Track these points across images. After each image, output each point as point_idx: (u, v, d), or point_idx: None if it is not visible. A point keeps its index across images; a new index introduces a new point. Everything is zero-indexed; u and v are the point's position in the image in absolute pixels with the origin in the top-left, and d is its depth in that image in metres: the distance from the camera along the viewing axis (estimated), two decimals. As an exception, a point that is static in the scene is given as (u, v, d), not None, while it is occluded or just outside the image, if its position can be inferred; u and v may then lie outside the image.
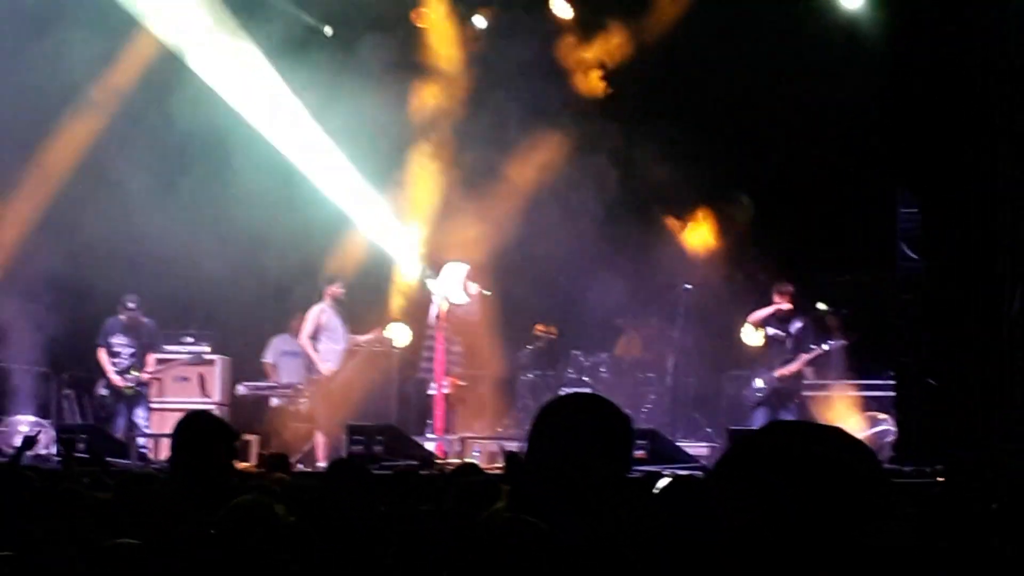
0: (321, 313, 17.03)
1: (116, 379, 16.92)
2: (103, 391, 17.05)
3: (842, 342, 16.46)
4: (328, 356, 17.08)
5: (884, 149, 15.98)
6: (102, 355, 17.00)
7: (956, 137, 14.48)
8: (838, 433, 2.14)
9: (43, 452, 14.91)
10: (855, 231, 17.11)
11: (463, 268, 16.88)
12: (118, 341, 17.02)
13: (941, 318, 14.57)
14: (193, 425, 6.10)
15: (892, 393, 15.77)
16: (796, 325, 16.20)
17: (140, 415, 16.79)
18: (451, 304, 16.64)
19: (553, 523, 3.62)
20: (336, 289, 17.10)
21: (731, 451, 2.15)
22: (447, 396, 16.58)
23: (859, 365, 17.00)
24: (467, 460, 14.13)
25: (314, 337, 17.02)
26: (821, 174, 17.32)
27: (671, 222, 18.53)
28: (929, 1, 15.11)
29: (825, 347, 16.14)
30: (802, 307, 16.44)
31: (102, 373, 17.02)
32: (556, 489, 3.64)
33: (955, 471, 10.91)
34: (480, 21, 19.14)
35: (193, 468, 5.77)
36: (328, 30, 19.31)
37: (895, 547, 2.06)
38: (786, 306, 16.10)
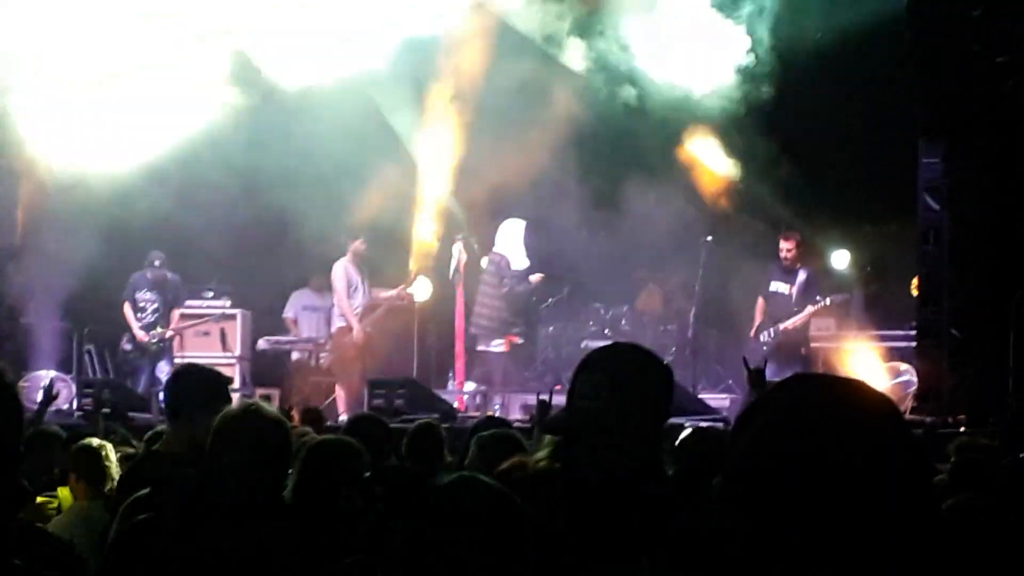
0: (345, 268, 17.01)
1: (141, 334, 17.05)
2: (127, 346, 17.19)
3: (846, 296, 16.43)
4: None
5: (906, 97, 15.86)
6: (127, 310, 17.13)
7: (980, 85, 14.38)
8: (860, 385, 2.11)
9: (63, 407, 14.95)
10: (876, 181, 17.01)
11: (520, 225, 16.70)
12: (143, 296, 17.17)
13: (964, 269, 14.50)
14: (184, 378, 6.32)
15: (914, 344, 15.71)
16: (800, 277, 16.17)
17: (163, 370, 16.86)
18: (508, 268, 16.49)
19: (590, 470, 3.62)
20: (359, 244, 16.99)
21: (752, 405, 2.13)
22: (502, 354, 16.66)
23: (882, 316, 16.95)
24: (488, 413, 14.17)
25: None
26: (842, 123, 17.21)
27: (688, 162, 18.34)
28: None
29: (827, 302, 16.04)
30: (807, 258, 16.41)
31: (127, 328, 17.13)
32: (600, 437, 3.63)
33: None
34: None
35: (193, 419, 5.83)
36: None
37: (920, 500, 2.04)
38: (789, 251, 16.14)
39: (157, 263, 17.13)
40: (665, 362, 3.89)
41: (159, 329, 17.18)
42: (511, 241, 16.76)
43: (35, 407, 15.23)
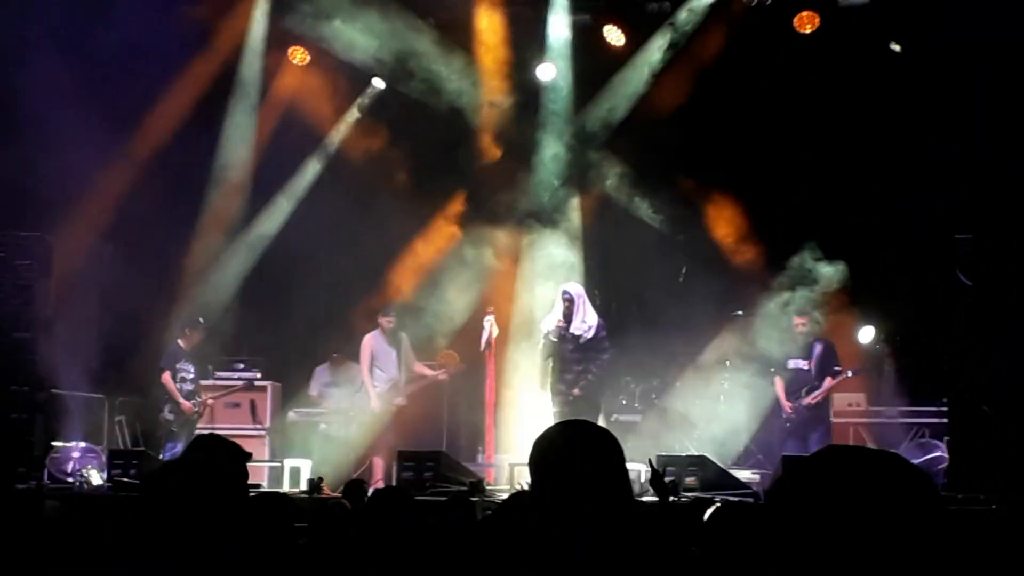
0: (373, 341, 17.24)
1: (187, 404, 17.17)
2: (169, 416, 17.27)
3: (865, 367, 16.47)
4: (378, 383, 17.25)
5: (938, 177, 15.96)
6: (168, 379, 17.22)
7: (1011, 159, 14.42)
8: (895, 459, 2.11)
9: (98, 483, 15.00)
10: (910, 256, 17.03)
11: (579, 290, 16.06)
12: (183, 367, 17.27)
13: (996, 344, 14.44)
14: (204, 446, 6.21)
15: (945, 420, 15.63)
16: (817, 350, 16.27)
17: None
18: (571, 333, 16.03)
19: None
20: (386, 321, 17.36)
21: (787, 475, 2.12)
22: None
23: (912, 391, 16.91)
24: (517, 487, 14.09)
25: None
26: (875, 202, 17.29)
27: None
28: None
29: (848, 373, 16.17)
30: (820, 333, 16.45)
31: (168, 397, 17.20)
32: (568, 522, 3.61)
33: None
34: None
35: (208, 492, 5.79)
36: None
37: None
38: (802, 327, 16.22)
39: (193, 330, 17.38)
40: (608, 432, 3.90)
41: (199, 398, 17.36)
42: (582, 304, 16.16)
43: (65, 479, 15.40)
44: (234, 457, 6.02)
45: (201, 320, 17.65)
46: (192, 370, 17.42)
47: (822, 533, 2.01)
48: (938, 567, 2.00)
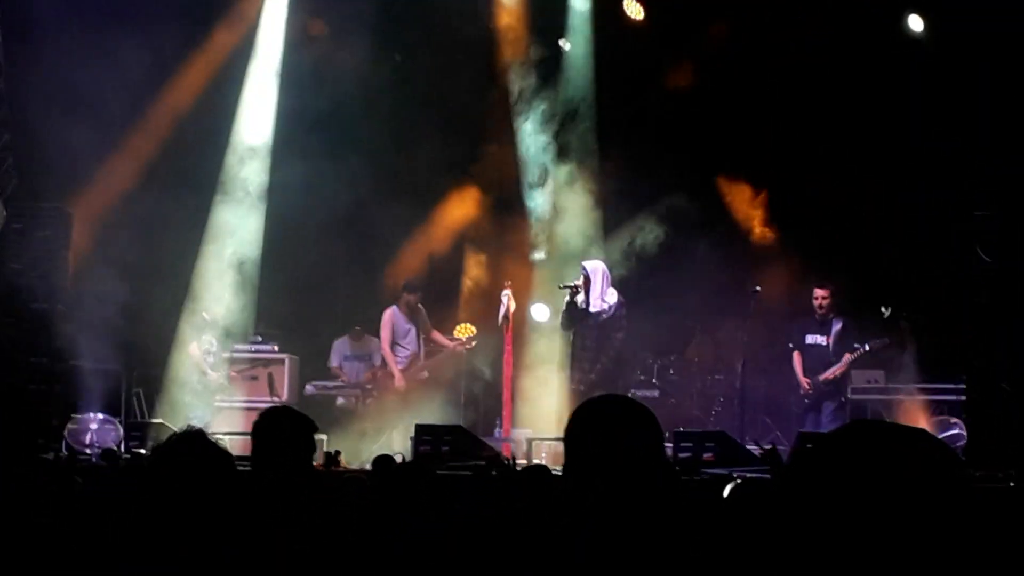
0: (392, 317, 17.47)
1: (213, 375, 17.25)
2: (197, 386, 17.39)
3: (884, 341, 16.35)
4: (400, 359, 17.53)
5: (959, 149, 15.88)
6: (196, 351, 17.34)
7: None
8: (921, 434, 2.09)
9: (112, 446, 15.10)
10: (929, 233, 16.98)
11: (597, 266, 15.97)
12: (207, 338, 17.38)
13: (1015, 321, 14.41)
14: (275, 421, 6.01)
15: (964, 397, 15.60)
16: (836, 327, 16.27)
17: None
18: (589, 311, 15.75)
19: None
20: (411, 297, 17.56)
21: (810, 450, 2.10)
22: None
23: (931, 368, 16.88)
24: (536, 462, 14.08)
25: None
26: (894, 174, 17.24)
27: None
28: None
29: (866, 347, 16.12)
30: (840, 307, 16.42)
31: (195, 367, 17.35)
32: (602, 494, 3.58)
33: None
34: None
35: (275, 463, 5.70)
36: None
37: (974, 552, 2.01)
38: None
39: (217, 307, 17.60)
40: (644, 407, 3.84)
41: (225, 370, 17.45)
42: (600, 282, 16.11)
43: (83, 450, 15.45)
44: (301, 427, 5.91)
45: (227, 296, 17.80)
46: (215, 343, 17.50)
47: (845, 509, 1.98)
48: (965, 544, 1.98)
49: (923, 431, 2.10)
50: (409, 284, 17.72)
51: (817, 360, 16.29)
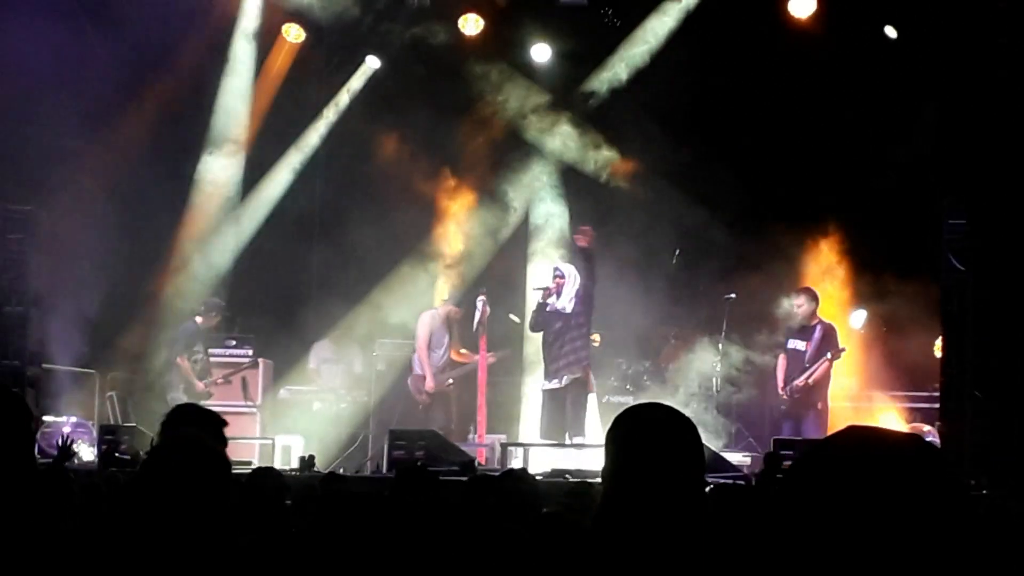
0: (431, 321, 17.37)
1: (200, 384, 17.05)
2: (183, 397, 17.02)
3: (843, 349, 16.34)
4: (433, 363, 17.31)
5: (932, 159, 15.95)
6: (184, 362, 17.06)
7: (1006, 147, 14.40)
8: (917, 440, 2.09)
9: (89, 459, 14.98)
10: (901, 241, 17.03)
11: (572, 271, 16.02)
12: (196, 348, 17.18)
13: (987, 330, 14.45)
14: (180, 417, 6.18)
15: (937, 405, 15.65)
16: (816, 334, 16.21)
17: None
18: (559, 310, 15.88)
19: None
20: (453, 310, 17.42)
21: (806, 455, 2.10)
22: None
23: (905, 377, 16.92)
24: (510, 467, 14.08)
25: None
26: (867, 184, 17.31)
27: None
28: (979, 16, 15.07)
29: (827, 356, 16.06)
30: (821, 315, 16.45)
31: (182, 378, 17.04)
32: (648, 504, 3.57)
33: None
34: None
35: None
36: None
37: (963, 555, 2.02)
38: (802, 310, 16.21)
39: (213, 313, 17.35)
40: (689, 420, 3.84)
41: (210, 378, 17.28)
42: (572, 284, 16.17)
43: (54, 453, 15.35)
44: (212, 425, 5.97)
45: (222, 303, 17.64)
46: (201, 349, 17.31)
47: (842, 518, 1.99)
48: (965, 555, 1.99)
49: (917, 436, 2.10)
50: (455, 296, 17.67)
51: (795, 366, 16.24)
